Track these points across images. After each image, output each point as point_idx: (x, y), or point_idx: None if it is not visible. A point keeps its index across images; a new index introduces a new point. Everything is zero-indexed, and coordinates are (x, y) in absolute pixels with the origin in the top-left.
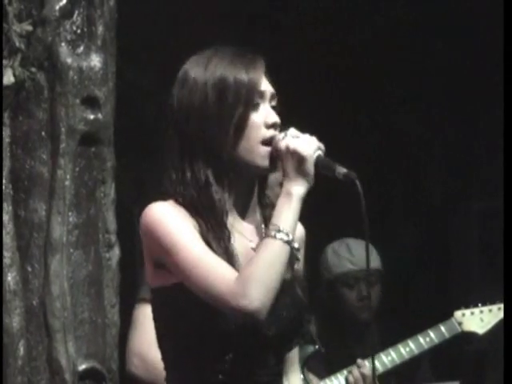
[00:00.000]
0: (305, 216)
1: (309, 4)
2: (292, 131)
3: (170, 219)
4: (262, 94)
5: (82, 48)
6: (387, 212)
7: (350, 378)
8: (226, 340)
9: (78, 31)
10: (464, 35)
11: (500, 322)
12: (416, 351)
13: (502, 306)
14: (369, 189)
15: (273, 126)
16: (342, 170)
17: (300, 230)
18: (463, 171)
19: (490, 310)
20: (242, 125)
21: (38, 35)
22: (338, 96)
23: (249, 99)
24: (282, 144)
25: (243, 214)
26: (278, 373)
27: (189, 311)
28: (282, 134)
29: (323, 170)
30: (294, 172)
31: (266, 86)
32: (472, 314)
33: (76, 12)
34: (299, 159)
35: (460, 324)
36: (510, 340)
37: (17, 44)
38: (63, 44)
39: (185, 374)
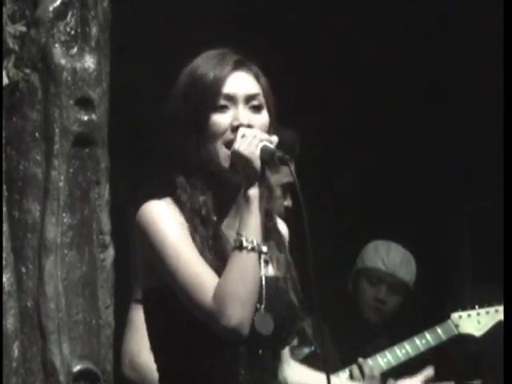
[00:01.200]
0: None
1: (309, 4)
2: (240, 131)
3: (161, 219)
4: (231, 96)
5: (75, 49)
6: (379, 214)
7: (355, 372)
8: (218, 340)
9: (72, 32)
10: (464, 35)
11: (497, 324)
12: (412, 353)
13: (498, 308)
14: (360, 192)
15: (238, 128)
16: (278, 154)
17: (284, 230)
18: (454, 173)
19: (487, 313)
20: (205, 128)
21: (32, 36)
22: (333, 95)
23: (212, 102)
24: (232, 148)
25: (232, 219)
26: (273, 370)
27: (180, 312)
28: (237, 136)
29: (266, 160)
30: (244, 174)
31: (236, 88)
32: (469, 316)
33: (70, 13)
34: (244, 160)
35: (457, 326)
36: (510, 340)
37: (10, 45)
38: (57, 45)
39: (177, 374)
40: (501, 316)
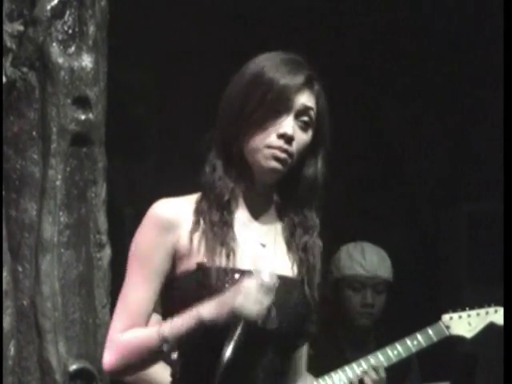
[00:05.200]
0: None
1: (309, 4)
2: (260, 275)
3: (150, 228)
4: (288, 105)
5: (73, 48)
6: (375, 214)
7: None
8: (226, 334)
9: (70, 31)
10: (464, 35)
11: (488, 326)
12: (404, 354)
13: (489, 310)
14: (357, 191)
15: (282, 136)
16: (270, 324)
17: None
18: (452, 173)
19: (478, 314)
20: (255, 125)
21: (30, 35)
22: (332, 94)
23: (272, 104)
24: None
25: (256, 215)
26: (280, 371)
27: (182, 309)
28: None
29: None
30: (227, 306)
31: (298, 99)
32: (460, 317)
33: (67, 12)
34: (240, 316)
35: (448, 328)
36: (510, 341)
37: (8, 44)
38: (54, 44)
39: (184, 371)
40: (491, 318)
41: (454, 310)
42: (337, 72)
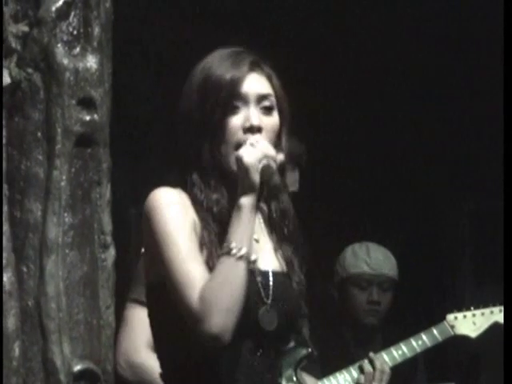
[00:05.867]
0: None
1: (309, 3)
2: (252, 138)
3: (166, 206)
4: (243, 97)
5: (78, 49)
6: (378, 214)
7: (366, 367)
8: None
9: (74, 32)
10: (464, 35)
11: (492, 325)
12: (408, 354)
13: (494, 309)
14: (361, 191)
15: (250, 129)
16: (274, 181)
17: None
18: (454, 172)
19: (483, 314)
20: (218, 129)
21: (34, 36)
22: (334, 95)
23: (226, 104)
24: (237, 152)
25: None
26: (276, 368)
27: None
28: (247, 143)
29: (263, 179)
30: (241, 182)
31: (250, 87)
32: (464, 317)
33: (72, 13)
34: (243, 168)
35: (452, 327)
36: (510, 340)
37: (13, 45)
38: (59, 45)
39: (178, 372)
40: (496, 317)
41: (459, 310)
42: (339, 73)
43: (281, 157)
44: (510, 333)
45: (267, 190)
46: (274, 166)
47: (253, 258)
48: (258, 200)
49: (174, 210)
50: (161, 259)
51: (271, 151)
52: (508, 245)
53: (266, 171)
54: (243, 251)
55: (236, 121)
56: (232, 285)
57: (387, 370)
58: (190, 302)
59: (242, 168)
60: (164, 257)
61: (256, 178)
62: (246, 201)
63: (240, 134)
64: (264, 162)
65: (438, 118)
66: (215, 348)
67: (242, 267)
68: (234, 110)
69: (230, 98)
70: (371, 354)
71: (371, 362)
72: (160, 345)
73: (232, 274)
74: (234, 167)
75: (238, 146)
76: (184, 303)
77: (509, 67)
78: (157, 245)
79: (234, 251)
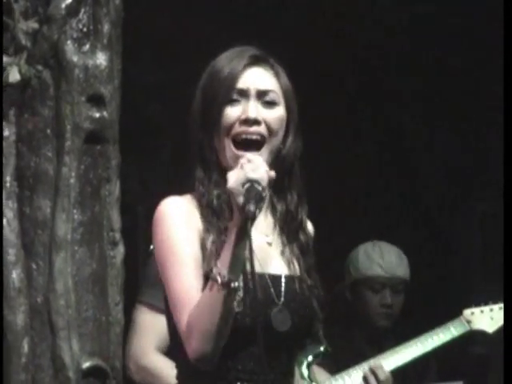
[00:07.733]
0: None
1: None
2: (245, 157)
3: (170, 218)
4: (241, 91)
5: (87, 46)
6: (390, 213)
7: (371, 380)
8: (240, 336)
9: (84, 29)
10: (465, 36)
11: None
12: (425, 350)
13: None
14: (370, 190)
15: (245, 121)
16: (250, 207)
17: (309, 228)
18: (465, 172)
19: (501, 308)
20: (218, 122)
21: (44, 33)
22: (337, 96)
23: (225, 97)
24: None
25: None
26: (288, 371)
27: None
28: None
29: (248, 200)
30: (233, 204)
31: (249, 83)
32: (482, 312)
33: (82, 10)
34: (229, 192)
35: (469, 322)
36: (511, 340)
37: (23, 42)
38: (69, 42)
39: (195, 373)
40: None
41: (476, 305)
42: (350, 76)
43: (272, 174)
44: (510, 333)
45: (244, 213)
46: (259, 188)
47: (235, 284)
48: (251, 223)
49: (178, 222)
50: (162, 272)
51: (258, 172)
52: (508, 245)
53: (250, 193)
54: (225, 278)
55: (232, 113)
56: (212, 310)
57: (390, 378)
58: (180, 325)
59: (229, 192)
60: (164, 273)
61: (240, 201)
62: (233, 224)
63: (236, 127)
64: (247, 185)
65: (450, 117)
66: (202, 367)
67: (223, 294)
68: (232, 102)
69: (228, 90)
70: (373, 365)
71: (374, 374)
72: (175, 348)
73: (213, 300)
74: (231, 162)
75: (236, 138)
76: (177, 322)
77: (509, 68)
78: (159, 259)
79: (216, 277)
